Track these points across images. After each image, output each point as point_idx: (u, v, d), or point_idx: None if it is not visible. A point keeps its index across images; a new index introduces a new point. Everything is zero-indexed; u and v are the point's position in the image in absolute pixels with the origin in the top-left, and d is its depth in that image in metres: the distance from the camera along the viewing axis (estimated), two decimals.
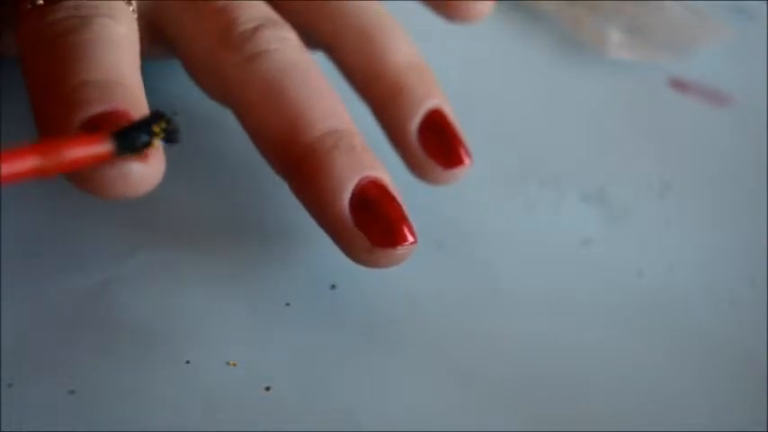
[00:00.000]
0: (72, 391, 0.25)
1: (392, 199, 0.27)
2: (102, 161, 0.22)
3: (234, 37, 0.28)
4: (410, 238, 0.26)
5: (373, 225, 0.26)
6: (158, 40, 0.29)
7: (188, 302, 0.27)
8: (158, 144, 0.23)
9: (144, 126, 0.23)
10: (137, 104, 0.24)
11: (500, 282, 0.30)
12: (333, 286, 0.29)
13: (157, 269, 0.28)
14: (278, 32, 0.28)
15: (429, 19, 0.33)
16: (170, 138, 0.23)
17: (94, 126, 0.23)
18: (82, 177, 0.23)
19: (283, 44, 0.28)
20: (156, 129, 0.23)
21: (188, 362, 0.26)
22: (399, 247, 0.26)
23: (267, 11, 0.29)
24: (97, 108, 0.23)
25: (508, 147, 0.35)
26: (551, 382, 0.28)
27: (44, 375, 0.25)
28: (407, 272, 0.29)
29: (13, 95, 0.28)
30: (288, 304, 0.28)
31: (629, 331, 0.30)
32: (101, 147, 0.22)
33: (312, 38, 0.30)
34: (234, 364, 0.26)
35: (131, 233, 0.29)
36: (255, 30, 0.28)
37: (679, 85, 0.39)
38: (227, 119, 0.28)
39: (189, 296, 0.28)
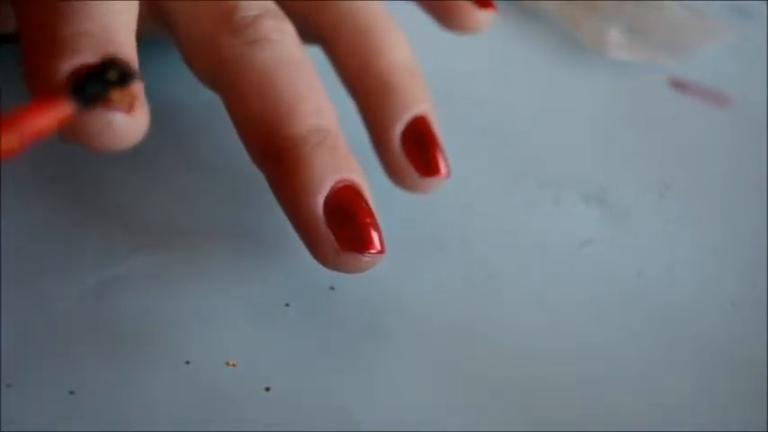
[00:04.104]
0: (72, 392, 0.25)
1: (365, 205, 0.27)
2: (66, 121, 0.21)
3: (235, 21, 0.28)
4: (377, 246, 0.26)
5: (343, 228, 0.26)
6: (156, 17, 0.29)
7: (187, 303, 0.27)
8: (135, 95, 0.22)
9: (97, 77, 0.21)
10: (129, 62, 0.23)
11: (500, 282, 0.30)
12: (332, 287, 0.29)
13: (157, 269, 0.28)
14: (278, 23, 0.28)
15: (428, 20, 0.33)
16: (125, 79, 0.22)
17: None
18: (70, 130, 0.22)
19: (283, 36, 0.28)
20: (111, 76, 0.21)
21: (188, 362, 0.26)
22: (366, 254, 0.26)
23: (269, 2, 0.29)
24: (90, 57, 0.23)
25: (508, 147, 0.35)
26: (551, 383, 0.28)
27: (44, 375, 0.25)
28: (407, 272, 0.30)
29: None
30: (287, 305, 0.28)
31: (628, 331, 0.30)
32: (61, 108, 0.20)
33: (309, 31, 0.30)
34: (233, 365, 0.26)
35: (131, 234, 0.29)
36: (257, 17, 0.28)
37: (679, 85, 0.39)
38: (226, 121, 0.28)
39: (188, 296, 0.28)
